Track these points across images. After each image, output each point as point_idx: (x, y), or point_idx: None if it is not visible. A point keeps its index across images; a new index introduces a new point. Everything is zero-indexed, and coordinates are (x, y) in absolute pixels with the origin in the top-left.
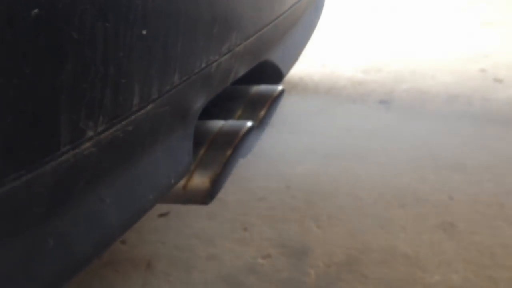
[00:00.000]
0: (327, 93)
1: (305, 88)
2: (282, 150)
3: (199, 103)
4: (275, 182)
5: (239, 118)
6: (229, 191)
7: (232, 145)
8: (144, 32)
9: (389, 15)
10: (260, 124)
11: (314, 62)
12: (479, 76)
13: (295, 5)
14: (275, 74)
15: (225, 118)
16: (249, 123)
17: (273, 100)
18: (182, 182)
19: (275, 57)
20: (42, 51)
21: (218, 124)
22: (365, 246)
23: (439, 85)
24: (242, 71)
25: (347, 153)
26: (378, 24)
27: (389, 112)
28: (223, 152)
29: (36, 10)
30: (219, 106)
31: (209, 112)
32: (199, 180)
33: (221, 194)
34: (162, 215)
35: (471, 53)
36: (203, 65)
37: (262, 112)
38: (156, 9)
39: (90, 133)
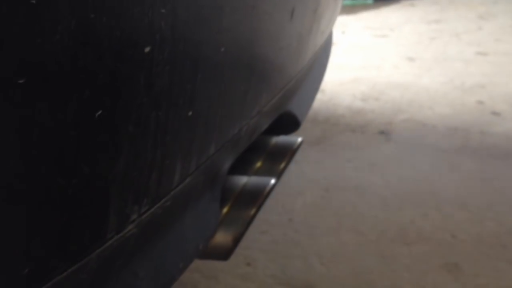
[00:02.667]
0: (326, 122)
1: None
2: (283, 180)
3: (227, 165)
4: (277, 215)
5: (259, 170)
6: None
7: (256, 204)
8: (190, 113)
9: (383, 43)
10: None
11: None
12: (477, 109)
13: (313, 57)
14: (292, 122)
15: (244, 169)
16: (272, 181)
17: (292, 153)
18: None
19: (293, 106)
20: (98, 148)
21: (242, 180)
22: (370, 285)
23: (437, 116)
24: (265, 126)
25: (348, 185)
26: (373, 52)
27: (388, 144)
28: (247, 211)
29: (100, 112)
30: (238, 157)
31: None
32: (223, 239)
33: None
34: None
35: (468, 84)
36: (236, 131)
37: (282, 165)
38: (202, 90)
39: (134, 217)
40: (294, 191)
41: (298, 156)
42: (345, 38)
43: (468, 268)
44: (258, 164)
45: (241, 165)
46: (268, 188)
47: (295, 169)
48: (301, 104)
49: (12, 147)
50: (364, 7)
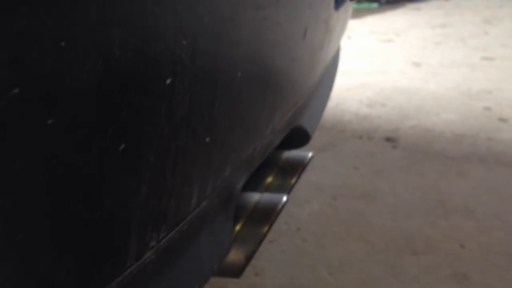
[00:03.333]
0: (333, 128)
1: None
2: None
3: (241, 184)
4: (285, 224)
5: (270, 185)
6: None
7: (268, 222)
8: (207, 139)
9: (389, 47)
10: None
11: None
12: (484, 115)
13: (323, 71)
14: (302, 136)
15: (256, 185)
16: (284, 198)
17: (303, 168)
18: None
19: (304, 121)
20: (121, 180)
21: (254, 197)
22: None
23: (444, 123)
24: (278, 142)
25: (356, 193)
26: (379, 57)
27: (395, 150)
28: (260, 229)
29: (123, 145)
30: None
31: None
32: (235, 256)
33: None
34: None
35: (474, 90)
36: (250, 151)
37: (293, 181)
38: (220, 115)
39: (153, 243)
40: (302, 200)
41: None
42: (351, 43)
43: (477, 279)
44: (269, 179)
45: (253, 180)
46: (280, 206)
47: (302, 176)
48: (311, 118)
49: (39, 182)
50: (369, 11)
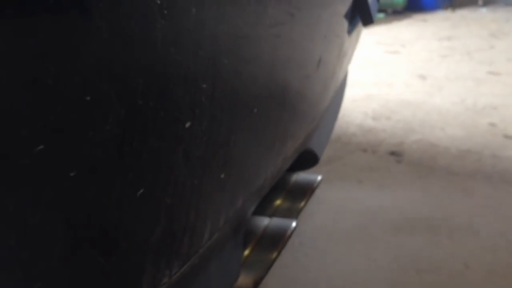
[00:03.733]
0: (337, 140)
1: None
2: None
3: (251, 211)
4: None
5: (279, 208)
6: None
7: (277, 249)
8: (222, 175)
9: (395, 59)
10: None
11: None
12: (489, 131)
13: (333, 95)
14: (311, 158)
15: (265, 208)
16: (294, 224)
17: (312, 191)
18: None
19: (313, 144)
20: (138, 224)
21: (263, 222)
22: None
23: (449, 138)
24: (287, 167)
25: (360, 208)
26: (385, 68)
27: (400, 165)
28: (268, 255)
29: (141, 191)
30: None
31: None
32: (243, 281)
33: None
34: None
35: (480, 105)
36: (261, 181)
37: (302, 204)
38: (235, 152)
39: (165, 280)
40: (305, 213)
41: None
42: (357, 53)
43: None
44: (278, 202)
45: (262, 203)
46: (289, 232)
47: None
48: (320, 141)
49: (58, 229)
50: (376, 21)
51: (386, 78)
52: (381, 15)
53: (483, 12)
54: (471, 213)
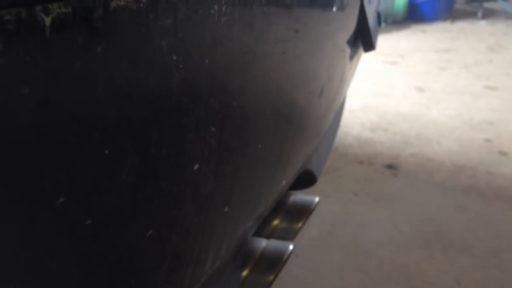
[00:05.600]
0: (334, 151)
1: None
2: None
3: (251, 235)
4: None
5: (276, 228)
6: None
7: (275, 272)
8: (226, 209)
9: (393, 70)
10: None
11: None
12: (484, 147)
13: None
14: (309, 178)
15: (262, 227)
16: (291, 247)
17: (309, 213)
18: None
19: (311, 165)
20: (146, 263)
21: (261, 243)
22: None
23: (445, 152)
24: (286, 188)
25: (355, 221)
26: (383, 79)
27: (395, 178)
28: (265, 277)
29: (150, 232)
30: None
31: None
32: None
33: None
34: None
35: (476, 119)
36: (263, 207)
37: (299, 225)
38: (239, 187)
39: None
40: None
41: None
42: None
43: None
44: (276, 222)
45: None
46: (286, 255)
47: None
48: (319, 161)
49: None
50: None
51: (384, 89)
52: (382, 25)
53: (482, 25)
54: (465, 229)
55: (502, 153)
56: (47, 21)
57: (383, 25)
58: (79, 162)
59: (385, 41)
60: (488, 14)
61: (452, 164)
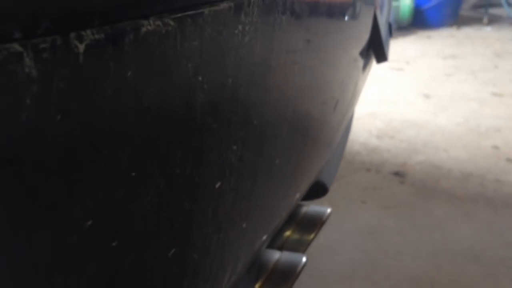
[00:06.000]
0: (342, 158)
1: None
2: None
3: (264, 248)
4: None
5: (288, 239)
6: None
7: (287, 285)
8: (244, 225)
9: (399, 76)
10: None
11: None
12: (492, 154)
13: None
14: (320, 189)
15: (275, 239)
16: (304, 259)
17: (321, 224)
18: None
19: (323, 176)
20: (166, 280)
21: (274, 255)
22: None
23: (452, 160)
24: (299, 200)
25: (362, 229)
26: (390, 85)
27: (403, 186)
28: None
29: (172, 251)
30: None
31: None
32: None
33: None
34: None
35: (483, 126)
36: (277, 221)
37: (311, 236)
38: (257, 204)
39: None
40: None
41: None
42: None
43: None
44: (288, 233)
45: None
46: (299, 268)
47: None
48: (330, 172)
49: None
50: None
51: (390, 96)
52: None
53: (488, 31)
54: (473, 238)
55: (510, 160)
56: (81, 47)
57: None
58: (108, 186)
59: (391, 47)
60: (494, 20)
61: (459, 172)
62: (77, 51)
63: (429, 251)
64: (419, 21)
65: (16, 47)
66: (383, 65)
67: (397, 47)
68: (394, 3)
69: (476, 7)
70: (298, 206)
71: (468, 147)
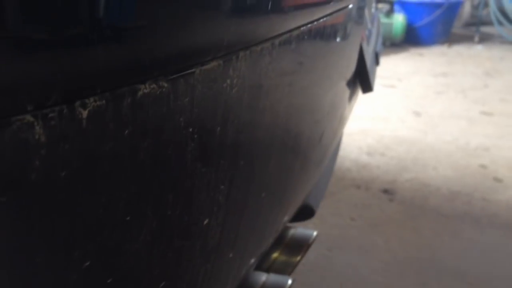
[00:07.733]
0: (332, 175)
1: None
2: None
3: (251, 271)
4: None
5: (275, 261)
6: None
7: None
8: (231, 255)
9: (391, 93)
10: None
11: None
12: (480, 173)
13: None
14: (307, 212)
15: (261, 260)
16: (289, 281)
17: (308, 247)
18: None
19: (310, 199)
20: None
21: (261, 278)
22: None
23: (441, 178)
24: (286, 223)
25: (351, 246)
26: (381, 102)
27: (392, 204)
28: None
29: (162, 283)
30: None
31: None
32: None
33: None
34: None
35: (472, 145)
36: (265, 247)
37: (298, 258)
38: (243, 233)
39: None
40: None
41: None
42: None
43: None
44: (275, 255)
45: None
46: None
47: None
48: (317, 195)
49: None
50: None
51: (381, 113)
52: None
53: (479, 49)
54: (459, 257)
55: (497, 179)
56: (84, 113)
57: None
58: (106, 231)
59: (383, 64)
60: (485, 38)
61: (447, 190)
62: (81, 117)
63: (415, 269)
64: (412, 38)
65: (28, 118)
66: (376, 81)
67: (389, 64)
68: (387, 20)
69: (467, 25)
70: (286, 229)
71: (457, 165)
